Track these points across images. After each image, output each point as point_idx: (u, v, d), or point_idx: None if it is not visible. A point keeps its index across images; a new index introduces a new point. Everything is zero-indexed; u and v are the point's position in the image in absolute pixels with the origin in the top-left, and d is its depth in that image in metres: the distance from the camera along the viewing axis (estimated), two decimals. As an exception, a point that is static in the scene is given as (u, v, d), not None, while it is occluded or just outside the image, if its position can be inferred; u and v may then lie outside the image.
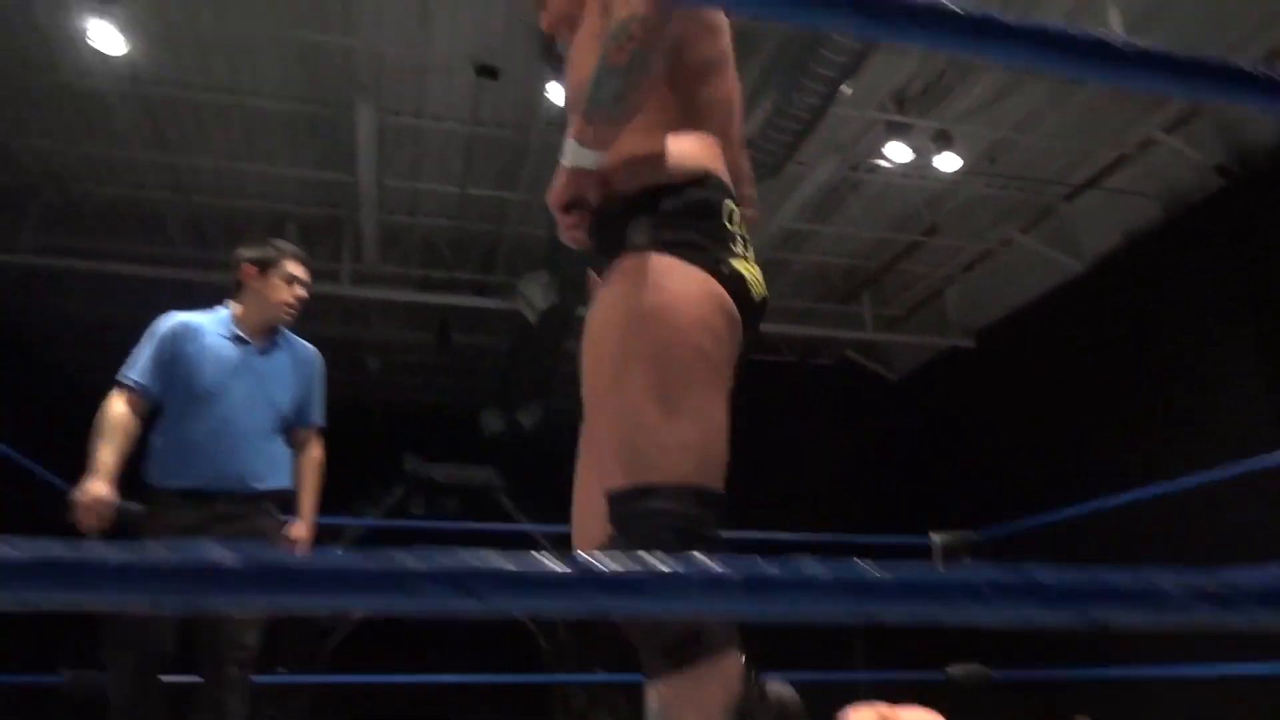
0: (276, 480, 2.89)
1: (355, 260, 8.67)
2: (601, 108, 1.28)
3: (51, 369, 10.83)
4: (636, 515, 1.19)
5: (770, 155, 6.11)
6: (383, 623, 11.17)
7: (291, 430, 3.04)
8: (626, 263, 1.34)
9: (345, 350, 10.99)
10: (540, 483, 12.27)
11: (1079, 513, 5.38)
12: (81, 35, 5.72)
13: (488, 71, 5.99)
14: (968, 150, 7.03)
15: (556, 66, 5.86)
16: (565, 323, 8.28)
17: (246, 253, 3.05)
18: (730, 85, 1.53)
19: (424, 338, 10.35)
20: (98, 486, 2.57)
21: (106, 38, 5.66)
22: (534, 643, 11.26)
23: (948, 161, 6.83)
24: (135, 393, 2.80)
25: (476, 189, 7.85)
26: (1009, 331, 9.31)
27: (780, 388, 10.89)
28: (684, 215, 1.36)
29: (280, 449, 2.95)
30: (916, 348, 10.45)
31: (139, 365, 2.84)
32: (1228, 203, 6.87)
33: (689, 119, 1.42)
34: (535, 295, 7.57)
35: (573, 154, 1.37)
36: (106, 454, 2.62)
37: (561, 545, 1.23)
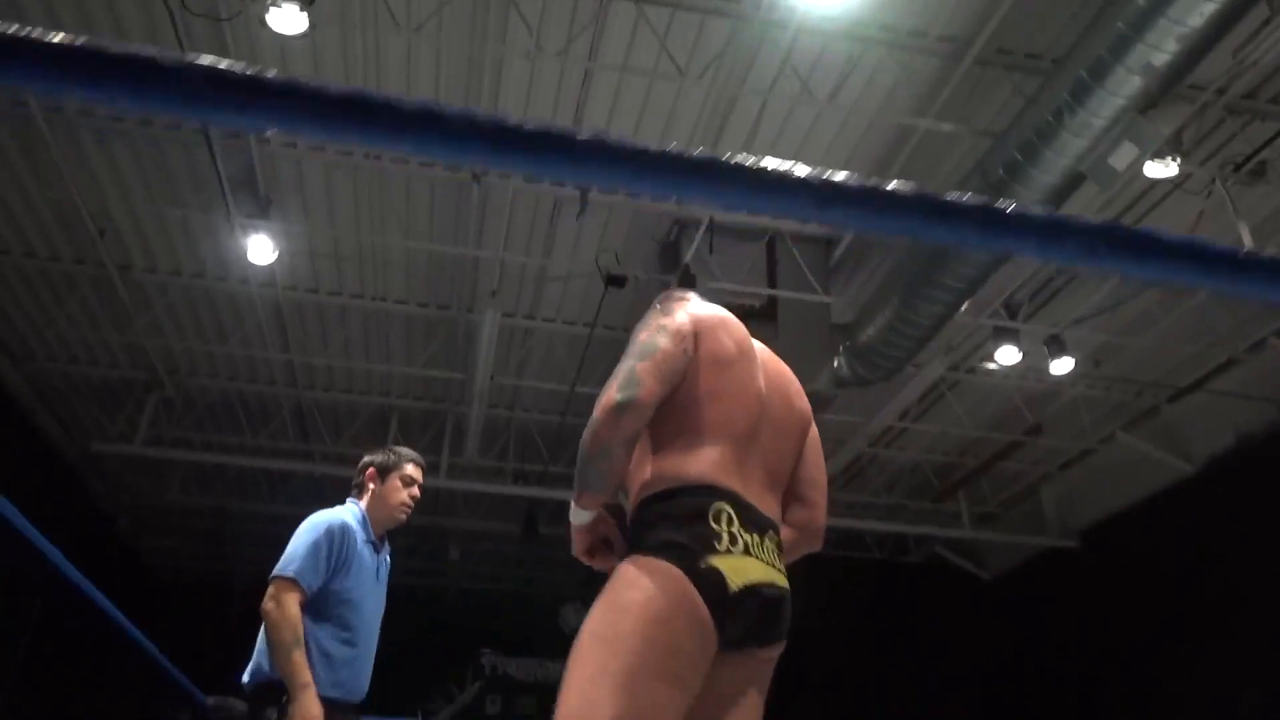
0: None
1: (455, 454, 8.76)
2: (586, 487, 1.65)
3: (134, 554, 10.86)
4: None
5: (888, 360, 6.18)
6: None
7: None
8: (623, 563, 1.61)
9: (428, 539, 10.95)
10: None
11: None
12: (239, 248, 6.08)
13: (616, 281, 6.23)
14: (1078, 352, 7.06)
15: (681, 275, 6.08)
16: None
17: (369, 457, 3.12)
18: (745, 406, 1.74)
19: (509, 528, 10.29)
20: (315, 707, 2.55)
21: (260, 248, 6.01)
22: None
23: (1060, 365, 6.85)
24: (303, 592, 2.70)
25: (585, 387, 8.00)
26: (1113, 532, 9.03)
27: (869, 585, 10.58)
28: (670, 520, 1.60)
29: None
30: (1013, 547, 10.14)
31: (306, 563, 2.73)
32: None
33: (696, 437, 1.68)
34: (570, 620, 7.70)
35: (573, 515, 1.71)
36: (307, 670, 2.58)
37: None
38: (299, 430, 9.05)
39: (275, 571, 2.70)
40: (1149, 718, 5.55)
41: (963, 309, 6.09)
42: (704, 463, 1.66)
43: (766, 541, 1.63)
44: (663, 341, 1.70)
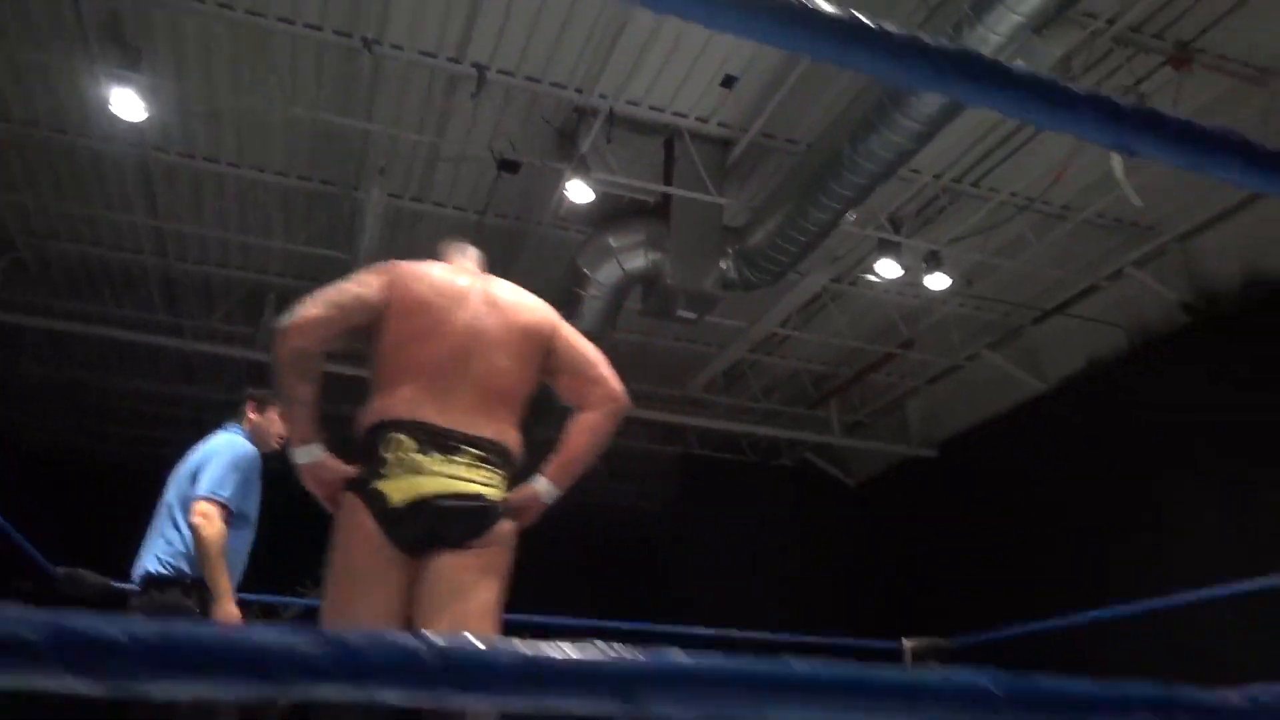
0: None
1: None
2: (284, 416, 2.11)
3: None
4: None
5: (775, 265, 6.29)
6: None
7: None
8: None
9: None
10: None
11: (1043, 627, 5.56)
12: (102, 101, 5.65)
13: (509, 166, 6.08)
14: (954, 270, 7.33)
15: (576, 164, 5.99)
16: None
17: (252, 389, 3.51)
18: (443, 342, 2.04)
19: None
20: (234, 609, 3.01)
21: (127, 104, 5.59)
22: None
23: (936, 281, 7.11)
24: (230, 512, 3.13)
25: (471, 275, 7.88)
26: (969, 443, 9.59)
27: (740, 486, 10.99)
28: (359, 457, 1.99)
29: None
30: (877, 454, 10.66)
31: (236, 490, 3.18)
32: (1191, 338, 7.29)
33: (398, 373, 2.01)
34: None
35: (294, 456, 2.04)
36: (227, 579, 3.03)
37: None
38: (167, 303, 8.64)
39: (206, 492, 3.06)
40: (995, 613, 6.08)
41: (850, 218, 6.22)
42: (392, 401, 1.98)
43: (457, 457, 1.96)
44: (341, 283, 2.06)
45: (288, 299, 8.06)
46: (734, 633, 6.33)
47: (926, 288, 7.36)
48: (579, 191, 6.03)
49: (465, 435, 1.99)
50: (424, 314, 2.06)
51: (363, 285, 2.07)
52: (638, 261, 6.31)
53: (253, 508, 3.29)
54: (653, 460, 11.87)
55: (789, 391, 10.06)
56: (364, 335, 2.08)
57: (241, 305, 8.53)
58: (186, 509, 3.06)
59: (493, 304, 2.14)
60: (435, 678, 0.53)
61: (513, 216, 7.40)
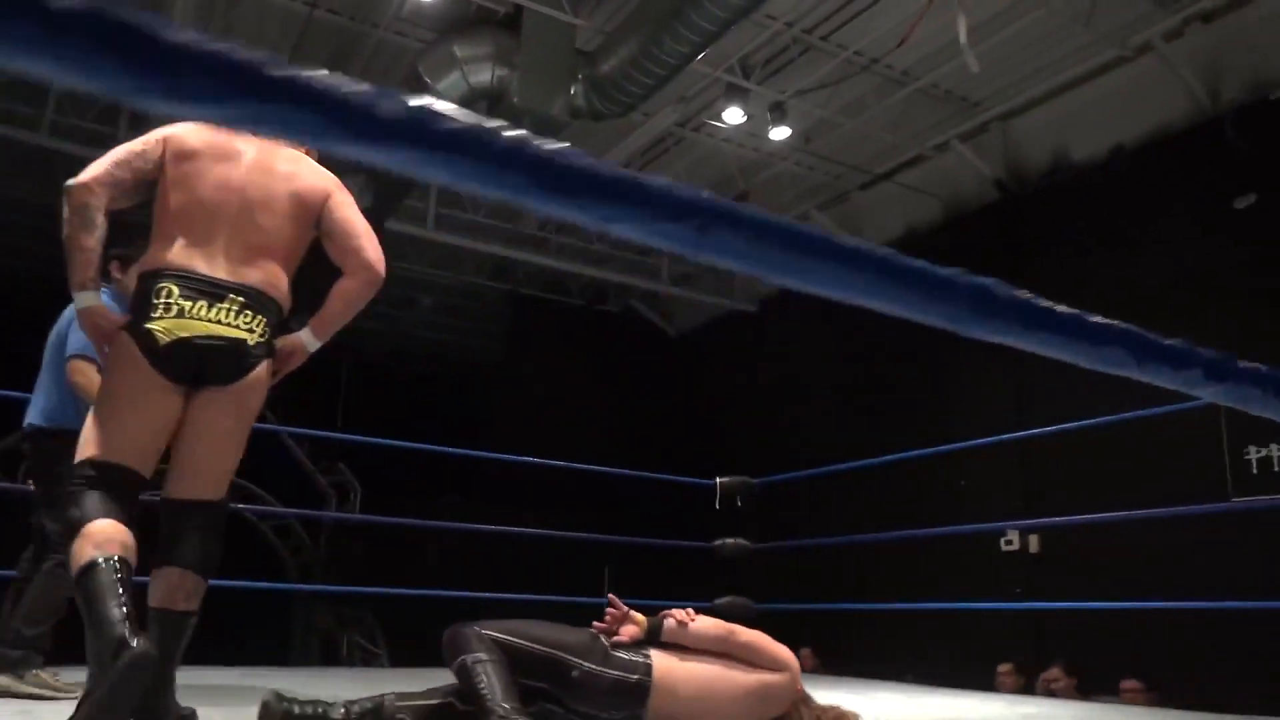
0: None
1: (135, 128, 7.72)
2: (68, 262, 2.20)
3: None
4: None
5: (625, 95, 6.16)
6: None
7: None
8: None
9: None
10: (303, 393, 11.70)
11: (841, 469, 6.06)
12: None
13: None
14: (796, 124, 7.43)
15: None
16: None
17: (115, 249, 3.38)
18: (210, 198, 2.24)
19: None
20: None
21: None
22: (277, 558, 10.75)
23: (779, 133, 7.20)
24: (99, 365, 3.16)
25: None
26: (786, 301, 10.02)
27: (567, 328, 11.07)
28: (134, 301, 2.23)
29: None
30: (700, 306, 10.96)
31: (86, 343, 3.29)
32: (1000, 213, 7.80)
33: (171, 226, 2.22)
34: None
35: (76, 300, 2.21)
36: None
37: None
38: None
39: (77, 350, 3.21)
40: (798, 458, 6.54)
41: (701, 56, 6.14)
42: (163, 252, 2.19)
43: (221, 304, 2.17)
44: (127, 144, 2.26)
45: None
46: (559, 463, 6.48)
47: (768, 139, 7.45)
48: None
49: (230, 284, 2.19)
50: (193, 170, 2.25)
51: (144, 144, 2.26)
52: (483, 76, 6.00)
53: None
54: (480, 296, 11.72)
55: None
56: (149, 191, 2.28)
57: (21, 84, 7.52)
58: (63, 369, 3.28)
59: (267, 169, 2.31)
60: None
61: (348, 15, 6.82)
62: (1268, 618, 4.88)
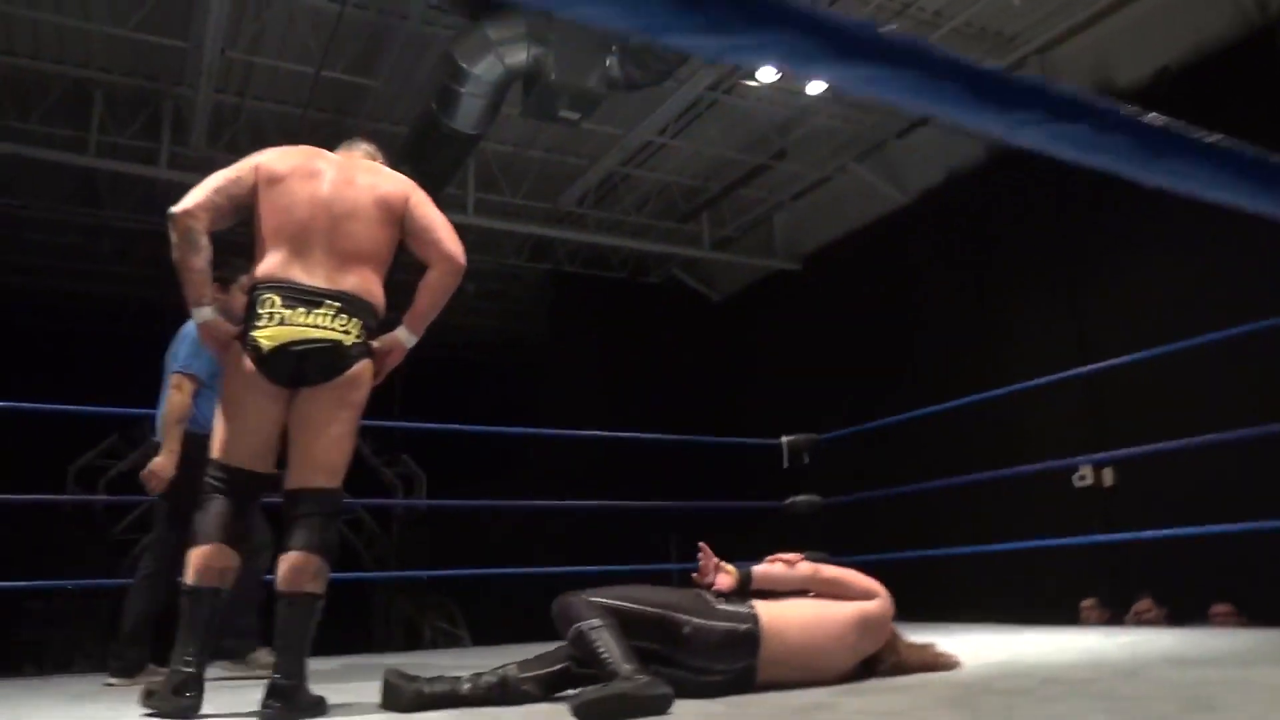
0: None
1: (178, 143, 7.84)
2: (182, 281, 2.46)
3: None
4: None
5: (663, 62, 6.14)
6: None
7: None
8: None
9: (145, 244, 10.01)
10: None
11: (904, 418, 6.06)
12: None
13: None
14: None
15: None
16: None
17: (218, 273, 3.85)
18: (299, 212, 2.46)
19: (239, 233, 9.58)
20: (164, 462, 3.40)
21: None
22: (353, 551, 10.98)
23: (815, 85, 7.13)
24: (200, 381, 3.51)
25: (331, 72, 7.31)
26: (831, 256, 9.95)
27: (610, 303, 11.09)
28: (245, 314, 2.44)
29: None
30: (741, 269, 10.92)
31: (200, 362, 3.52)
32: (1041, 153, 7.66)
33: (271, 243, 2.43)
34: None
35: (194, 315, 2.48)
36: (175, 440, 3.45)
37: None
38: (-26, 101, 7.66)
39: (180, 367, 3.48)
40: (858, 412, 6.53)
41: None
42: (266, 265, 2.42)
43: (319, 310, 2.39)
44: (221, 172, 2.51)
45: (117, 98, 7.30)
46: (620, 434, 6.54)
47: (802, 95, 7.38)
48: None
49: (326, 290, 2.41)
50: (284, 191, 2.47)
51: (238, 171, 2.49)
52: (518, 56, 6.01)
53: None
54: (521, 278, 11.78)
55: (660, 206, 10.06)
56: (246, 214, 2.50)
57: (64, 105, 7.65)
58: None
59: (349, 182, 2.53)
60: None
61: (376, 8, 6.84)
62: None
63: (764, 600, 2.50)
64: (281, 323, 2.36)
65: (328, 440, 2.43)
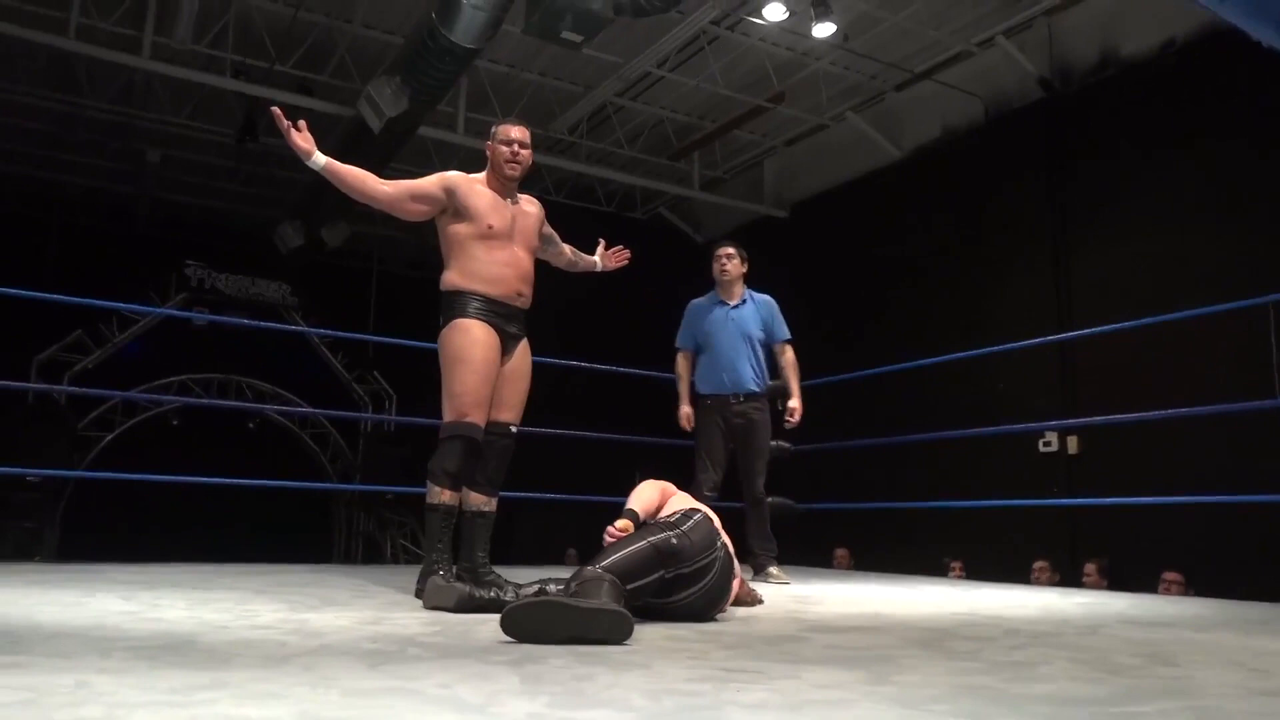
0: None
1: (161, 33, 7.57)
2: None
3: None
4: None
5: (669, -10, 5.99)
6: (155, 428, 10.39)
7: None
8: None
9: (118, 135, 9.73)
10: (336, 304, 11.72)
11: (879, 372, 6.12)
12: None
13: None
14: (839, 17, 7.20)
15: None
16: (405, 135, 7.80)
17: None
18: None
19: (222, 134, 9.35)
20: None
21: None
22: (317, 464, 10.96)
23: (822, 29, 7.01)
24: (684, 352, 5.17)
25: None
26: (820, 206, 9.90)
27: (594, 234, 10.96)
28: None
29: None
30: (729, 212, 10.84)
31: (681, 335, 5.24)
32: (1044, 113, 7.63)
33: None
34: (385, 99, 7.02)
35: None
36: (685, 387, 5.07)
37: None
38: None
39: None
40: (833, 365, 6.56)
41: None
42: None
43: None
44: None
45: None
46: (598, 366, 6.53)
47: (804, 38, 7.26)
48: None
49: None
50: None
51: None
52: (524, -31, 5.84)
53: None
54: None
55: (652, 140, 9.92)
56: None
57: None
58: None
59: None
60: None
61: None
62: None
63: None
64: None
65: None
